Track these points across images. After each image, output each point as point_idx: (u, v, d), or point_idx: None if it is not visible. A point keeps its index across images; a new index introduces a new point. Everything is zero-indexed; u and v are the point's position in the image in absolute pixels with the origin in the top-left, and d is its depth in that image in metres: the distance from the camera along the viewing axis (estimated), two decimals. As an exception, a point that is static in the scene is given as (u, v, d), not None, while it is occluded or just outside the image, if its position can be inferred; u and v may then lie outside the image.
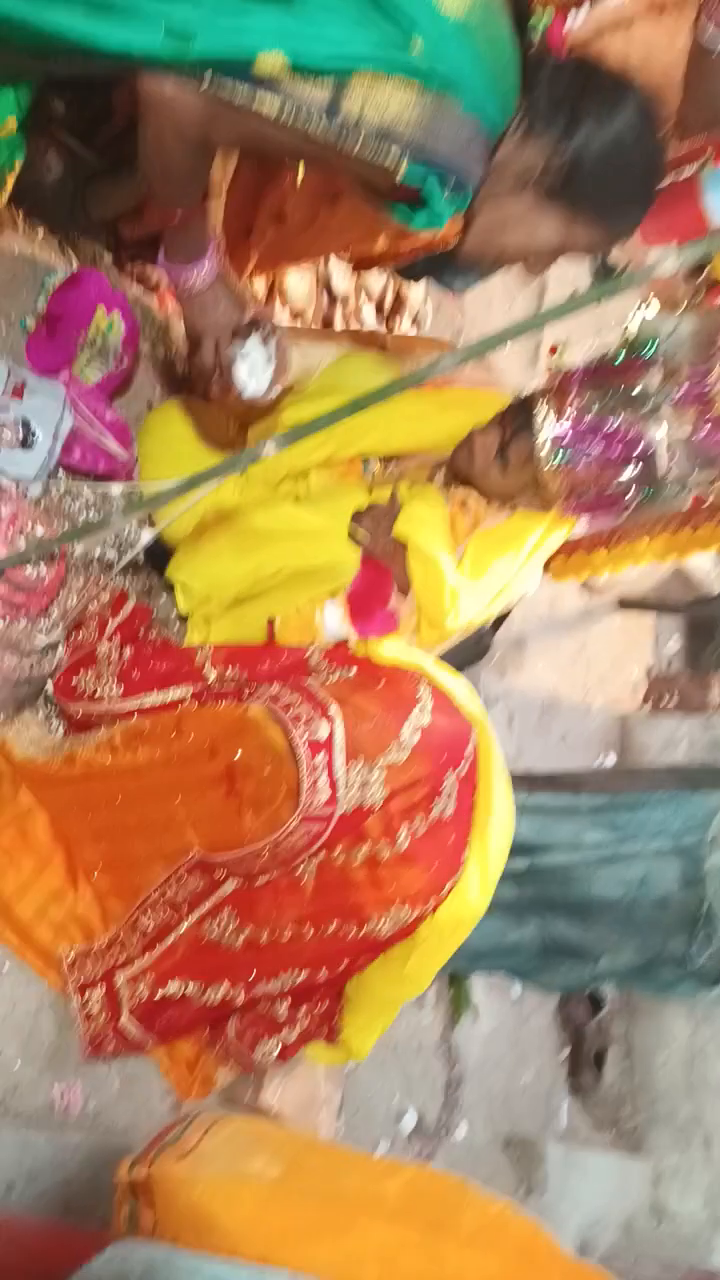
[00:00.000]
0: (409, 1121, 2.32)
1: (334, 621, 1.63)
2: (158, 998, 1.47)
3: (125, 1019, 1.45)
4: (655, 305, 1.95)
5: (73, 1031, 1.50)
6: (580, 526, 1.83)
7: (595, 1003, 3.00)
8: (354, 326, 2.71)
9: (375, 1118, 2.23)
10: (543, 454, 1.58)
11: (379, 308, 2.80)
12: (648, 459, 1.56)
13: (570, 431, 1.57)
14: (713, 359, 1.61)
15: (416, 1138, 2.33)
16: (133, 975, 1.46)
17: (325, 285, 2.52)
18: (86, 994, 1.46)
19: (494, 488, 1.69)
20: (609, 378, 1.62)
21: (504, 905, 1.89)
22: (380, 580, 1.63)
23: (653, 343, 1.66)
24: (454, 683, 1.59)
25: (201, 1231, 1.14)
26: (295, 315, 2.46)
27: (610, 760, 3.55)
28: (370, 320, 2.79)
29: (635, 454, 1.57)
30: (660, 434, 1.56)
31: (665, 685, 1.93)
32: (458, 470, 1.71)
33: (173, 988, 1.47)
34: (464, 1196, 1.26)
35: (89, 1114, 1.51)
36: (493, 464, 1.64)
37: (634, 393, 1.59)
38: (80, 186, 1.87)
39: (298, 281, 2.44)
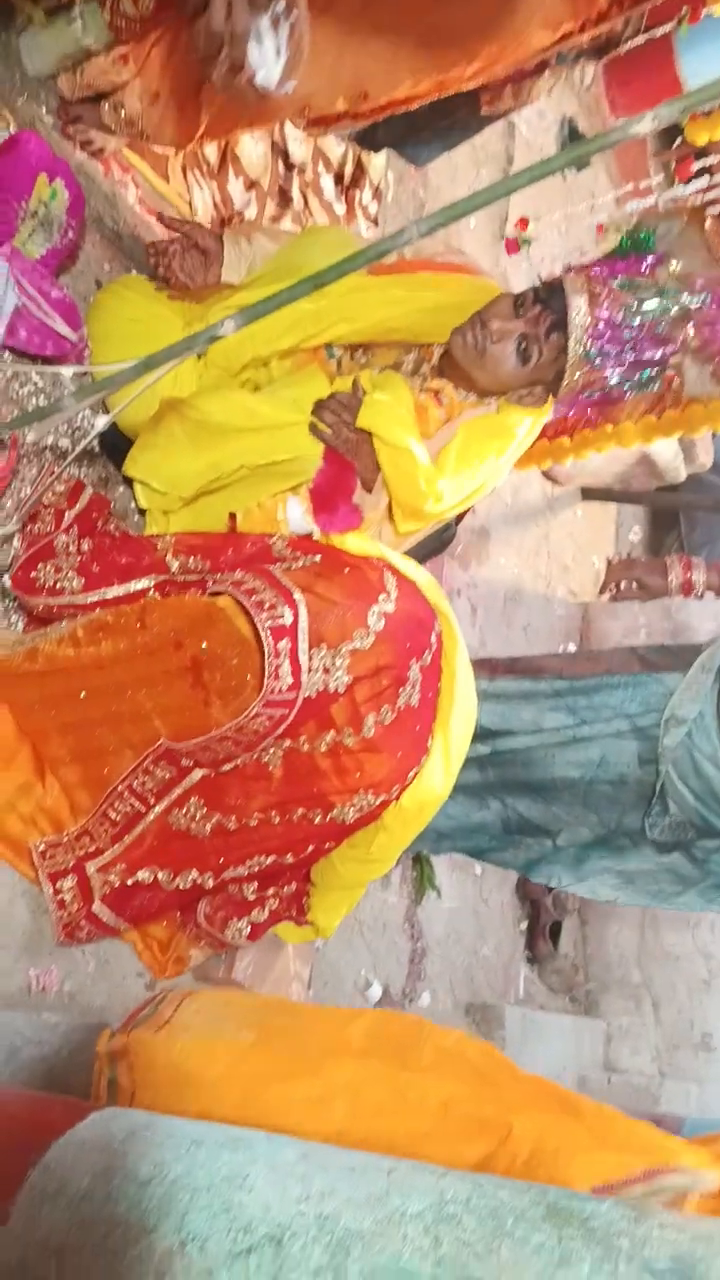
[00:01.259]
0: (375, 992, 2.44)
1: (296, 516, 1.60)
2: (129, 884, 1.49)
3: (97, 906, 1.48)
4: None
5: (47, 918, 1.52)
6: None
7: (552, 877, 3.12)
8: (312, 197, 2.58)
9: (343, 990, 2.33)
10: (575, 353, 1.54)
11: (338, 178, 2.66)
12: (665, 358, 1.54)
13: (608, 329, 1.53)
14: None
15: (382, 1007, 2.44)
16: (103, 864, 1.48)
17: (282, 153, 2.38)
18: (58, 883, 1.48)
19: (500, 381, 1.64)
20: (633, 272, 1.58)
21: (467, 788, 1.94)
22: (344, 475, 1.60)
23: (650, 235, 1.62)
24: (418, 574, 1.58)
25: (180, 1086, 1.21)
26: (250, 185, 2.34)
27: (571, 649, 3.61)
28: (329, 191, 2.65)
29: (661, 355, 1.55)
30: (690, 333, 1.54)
31: (624, 571, 1.94)
32: (455, 361, 1.65)
33: (143, 875, 1.49)
34: (421, 1031, 1.33)
35: (66, 994, 1.56)
36: (510, 358, 1.58)
37: (662, 290, 1.55)
38: (13, 36, 1.73)
39: (252, 148, 2.31)
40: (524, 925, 3.28)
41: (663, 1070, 3.37)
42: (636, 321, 1.57)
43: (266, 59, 1.38)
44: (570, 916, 3.44)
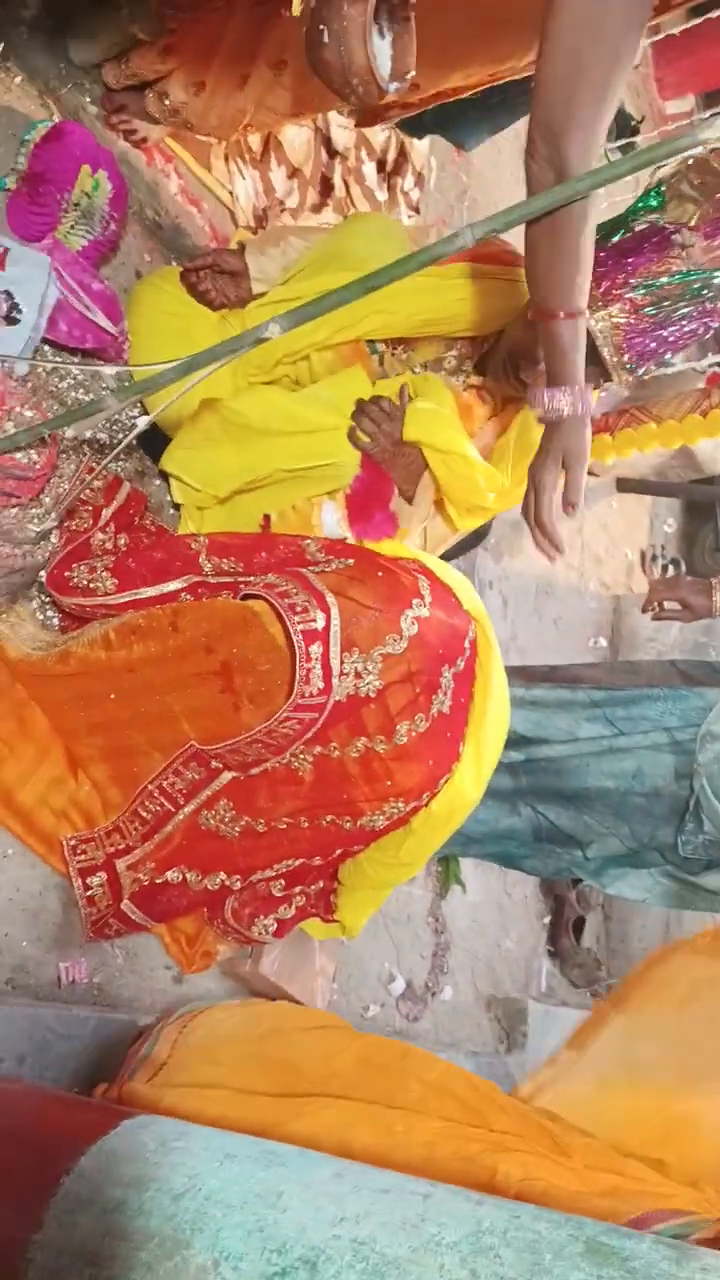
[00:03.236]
0: (398, 986, 2.44)
1: (331, 522, 1.59)
2: (157, 883, 1.50)
3: (126, 904, 1.49)
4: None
5: (76, 911, 1.54)
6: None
7: (577, 874, 3.12)
8: (354, 185, 2.55)
9: (367, 983, 2.34)
10: (620, 374, 1.50)
11: (380, 165, 2.63)
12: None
13: (640, 338, 1.49)
14: None
15: (405, 1000, 2.45)
16: (133, 862, 1.48)
17: (325, 140, 2.35)
18: (88, 879, 1.49)
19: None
20: (647, 266, 1.52)
21: (499, 794, 1.93)
22: (381, 483, 1.58)
23: (657, 193, 1.55)
24: (452, 577, 1.56)
25: None
26: (292, 173, 2.31)
27: (601, 643, 3.58)
28: (371, 178, 2.62)
29: (699, 334, 1.51)
30: None
31: (667, 590, 1.91)
32: (495, 368, 1.62)
33: (171, 875, 1.50)
34: (406, 1063, 1.33)
35: (95, 987, 1.57)
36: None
37: (685, 273, 1.50)
38: (60, 25, 1.71)
39: (295, 135, 2.28)
40: (547, 920, 3.28)
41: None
42: (672, 314, 1.53)
43: (382, 52, 1.39)
44: (594, 911, 3.43)
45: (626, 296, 1.47)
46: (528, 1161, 1.12)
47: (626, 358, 1.49)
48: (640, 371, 1.50)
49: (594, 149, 1.14)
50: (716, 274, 1.50)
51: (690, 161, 1.50)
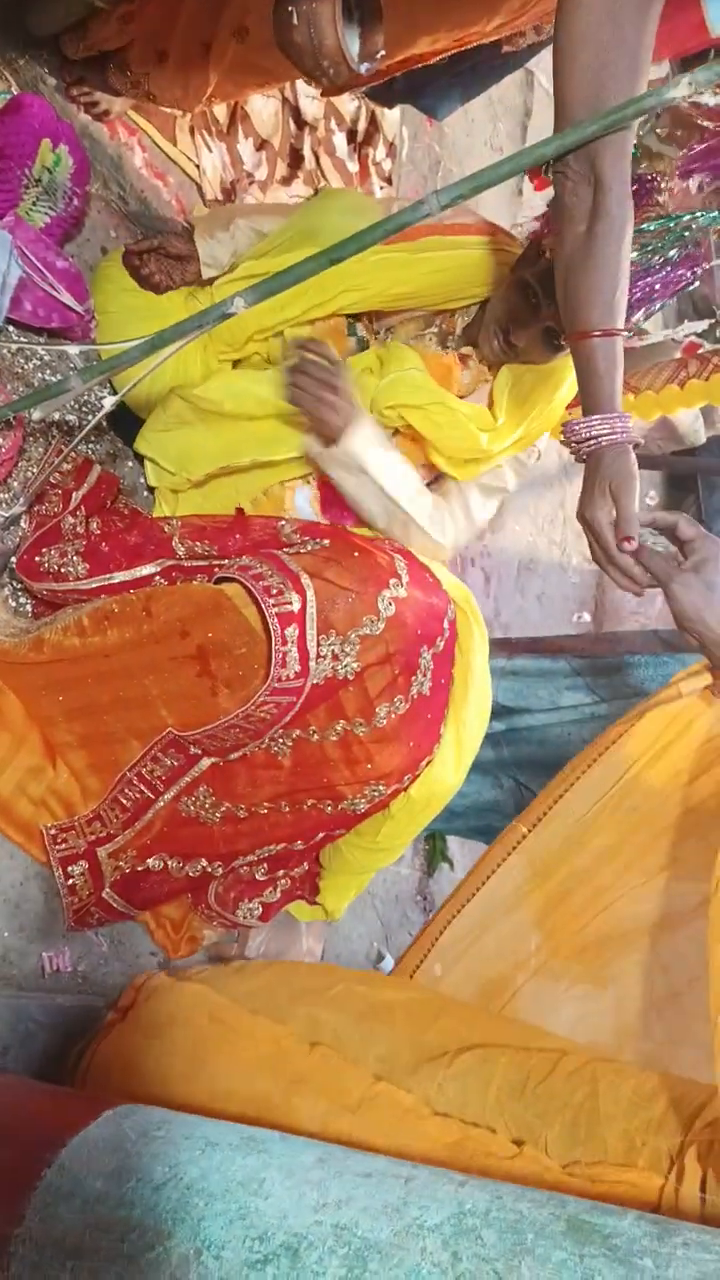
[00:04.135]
0: (387, 964, 2.44)
1: (305, 507, 1.57)
2: (139, 870, 1.48)
3: (107, 892, 1.47)
4: None
5: (58, 900, 1.52)
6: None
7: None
8: (324, 156, 2.50)
9: (355, 963, 2.34)
10: None
11: (351, 136, 2.58)
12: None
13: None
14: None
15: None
16: (114, 850, 1.47)
17: (293, 111, 2.30)
18: (69, 868, 1.48)
19: (540, 363, 1.58)
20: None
21: (482, 766, 1.92)
22: None
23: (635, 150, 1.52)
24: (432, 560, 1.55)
25: None
26: (260, 145, 2.27)
27: (584, 617, 3.57)
28: (342, 150, 2.57)
29: (688, 279, 1.48)
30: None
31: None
32: (486, 352, 1.59)
33: (153, 863, 1.48)
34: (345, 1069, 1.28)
35: (79, 977, 1.56)
36: (539, 349, 1.52)
37: (666, 218, 1.47)
38: (14, -6, 1.67)
39: (263, 106, 2.23)
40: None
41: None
42: (653, 260, 1.50)
43: (351, 40, 1.38)
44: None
45: None
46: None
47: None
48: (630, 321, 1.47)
49: (626, 156, 1.12)
50: (697, 215, 1.47)
51: (657, 115, 1.48)
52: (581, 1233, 0.72)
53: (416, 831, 1.60)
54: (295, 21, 1.34)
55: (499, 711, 1.90)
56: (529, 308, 1.48)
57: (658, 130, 1.41)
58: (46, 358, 1.67)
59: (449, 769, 1.51)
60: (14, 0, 1.65)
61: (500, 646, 1.94)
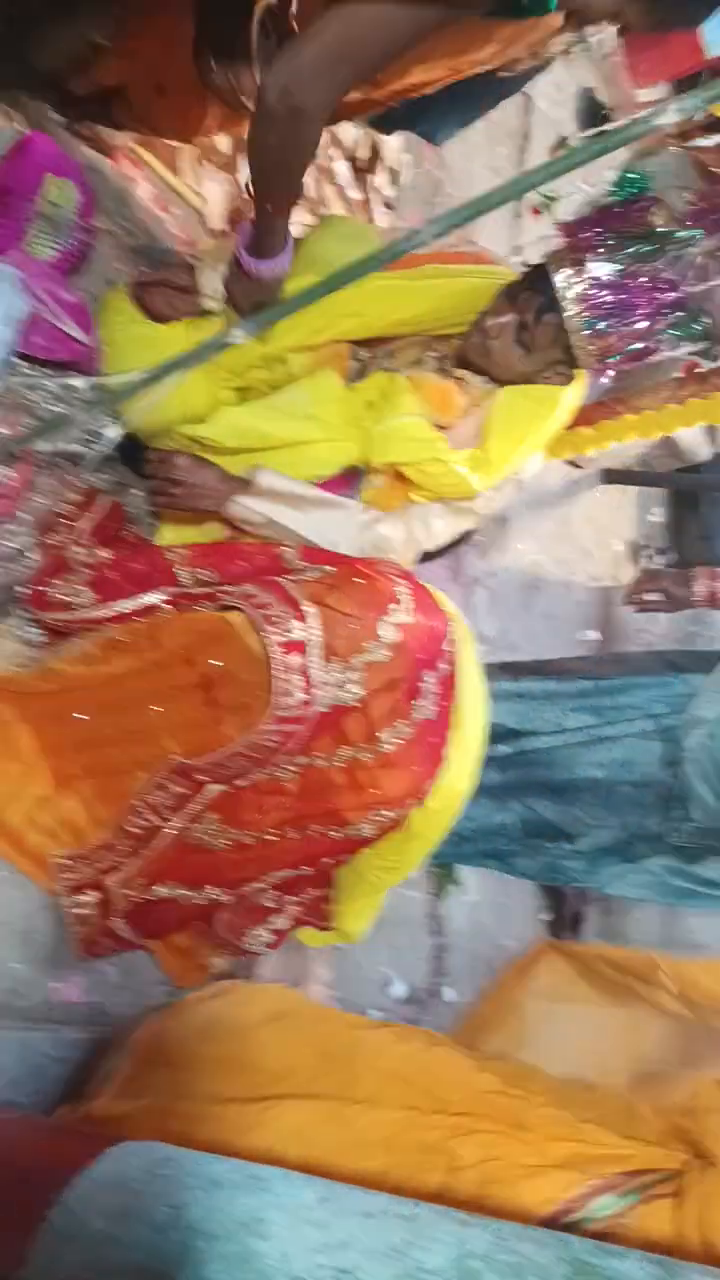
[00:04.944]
0: (397, 989, 2.43)
1: None
2: (148, 899, 1.48)
3: (116, 921, 1.48)
4: None
5: (68, 930, 1.52)
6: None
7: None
8: (326, 185, 2.53)
9: (365, 989, 2.33)
10: (574, 326, 1.48)
11: (352, 163, 2.61)
12: (688, 299, 1.47)
13: (598, 293, 1.46)
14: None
15: (404, 1004, 2.44)
16: (122, 879, 1.47)
17: (294, 141, 2.32)
18: (79, 897, 1.48)
19: (516, 372, 1.60)
20: (619, 225, 1.50)
21: (488, 789, 1.91)
22: (343, 484, 1.58)
23: (641, 176, 1.53)
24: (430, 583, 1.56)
25: None
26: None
27: (592, 636, 3.57)
28: (344, 177, 2.60)
29: (672, 299, 1.48)
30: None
31: (650, 583, 1.91)
32: (471, 363, 1.61)
33: (162, 891, 1.49)
34: (359, 1053, 1.31)
35: (89, 1008, 1.56)
36: (512, 350, 1.55)
37: (652, 233, 1.47)
38: (22, 31, 1.69)
39: (264, 137, 2.25)
40: (543, 917, 3.27)
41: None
42: (637, 271, 1.50)
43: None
44: (592, 905, 3.42)
45: (595, 245, 1.46)
46: (486, 1141, 1.12)
47: (587, 314, 1.46)
48: (601, 326, 1.47)
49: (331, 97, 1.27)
50: (693, 234, 1.47)
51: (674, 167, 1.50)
52: (584, 1274, 0.71)
53: (429, 849, 1.59)
54: (214, 64, 1.37)
55: (506, 735, 1.90)
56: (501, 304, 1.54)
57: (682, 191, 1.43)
58: (54, 391, 1.69)
59: (460, 777, 1.51)
60: (19, 40, 1.68)
61: (505, 669, 1.94)
